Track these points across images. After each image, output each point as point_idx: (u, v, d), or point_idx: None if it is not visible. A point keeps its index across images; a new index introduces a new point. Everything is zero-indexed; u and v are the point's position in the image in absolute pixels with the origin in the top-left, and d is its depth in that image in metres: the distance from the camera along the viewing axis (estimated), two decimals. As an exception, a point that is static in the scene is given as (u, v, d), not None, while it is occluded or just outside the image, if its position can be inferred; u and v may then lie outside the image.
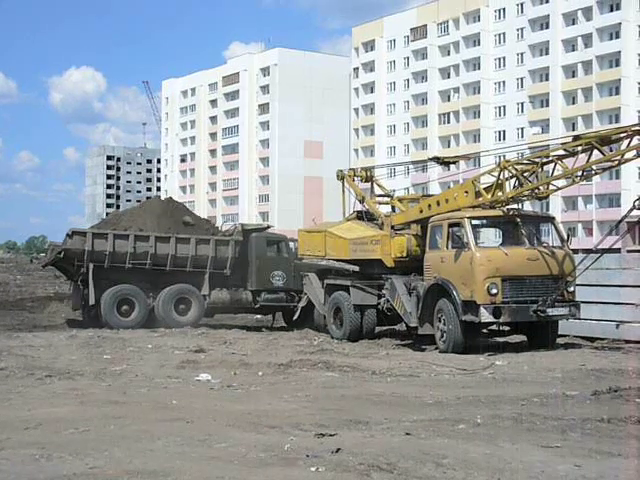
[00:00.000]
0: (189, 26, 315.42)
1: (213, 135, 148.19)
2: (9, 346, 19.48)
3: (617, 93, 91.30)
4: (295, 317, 26.47)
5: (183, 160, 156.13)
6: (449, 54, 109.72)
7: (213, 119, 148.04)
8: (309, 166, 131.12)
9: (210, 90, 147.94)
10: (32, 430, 9.50)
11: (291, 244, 28.27)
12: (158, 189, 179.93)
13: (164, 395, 12.31)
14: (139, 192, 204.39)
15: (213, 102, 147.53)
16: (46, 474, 7.37)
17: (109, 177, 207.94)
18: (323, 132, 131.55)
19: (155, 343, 20.67)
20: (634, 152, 17.47)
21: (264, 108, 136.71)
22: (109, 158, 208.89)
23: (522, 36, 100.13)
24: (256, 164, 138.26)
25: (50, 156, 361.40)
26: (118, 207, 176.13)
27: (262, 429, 9.52)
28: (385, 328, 22.80)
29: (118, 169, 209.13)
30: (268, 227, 30.42)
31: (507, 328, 20.48)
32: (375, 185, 24.65)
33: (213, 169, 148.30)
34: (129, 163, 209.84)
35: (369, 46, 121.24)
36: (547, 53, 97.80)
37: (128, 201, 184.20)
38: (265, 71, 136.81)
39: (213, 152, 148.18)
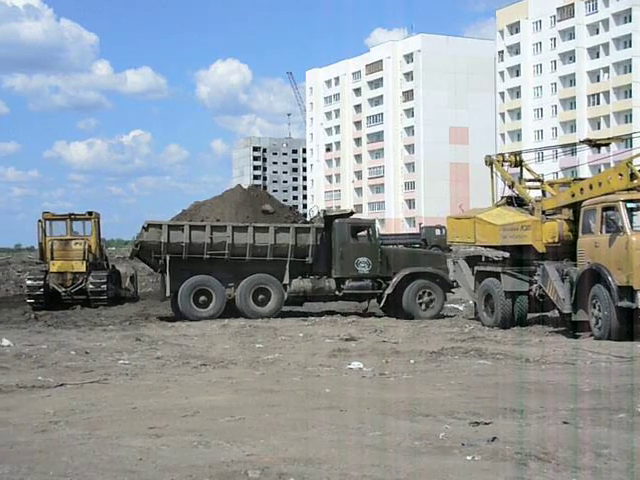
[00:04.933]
0: (331, 15, 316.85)
1: (358, 124, 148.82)
2: (164, 336, 20.05)
3: None
4: (381, 305, 26.32)
5: (328, 149, 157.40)
6: (598, 33, 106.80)
7: (357, 107, 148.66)
8: (455, 152, 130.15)
9: (354, 79, 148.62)
10: (190, 417, 9.70)
11: (378, 228, 27.34)
12: (304, 179, 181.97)
13: (317, 383, 12.39)
14: (285, 182, 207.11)
15: (357, 91, 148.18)
16: (204, 460, 7.51)
17: (255, 168, 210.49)
18: (468, 117, 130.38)
19: (305, 332, 20.83)
20: None
21: (408, 95, 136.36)
22: (255, 149, 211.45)
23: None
24: (401, 151, 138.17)
25: (198, 148, 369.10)
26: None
27: (416, 417, 9.48)
28: (536, 315, 22.43)
29: (264, 160, 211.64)
30: (352, 213, 29.11)
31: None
32: (524, 170, 24.22)
33: (358, 157, 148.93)
34: (275, 154, 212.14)
35: (514, 28, 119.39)
36: None
37: (274, 191, 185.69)
38: (408, 58, 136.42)
39: (358, 140, 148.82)
